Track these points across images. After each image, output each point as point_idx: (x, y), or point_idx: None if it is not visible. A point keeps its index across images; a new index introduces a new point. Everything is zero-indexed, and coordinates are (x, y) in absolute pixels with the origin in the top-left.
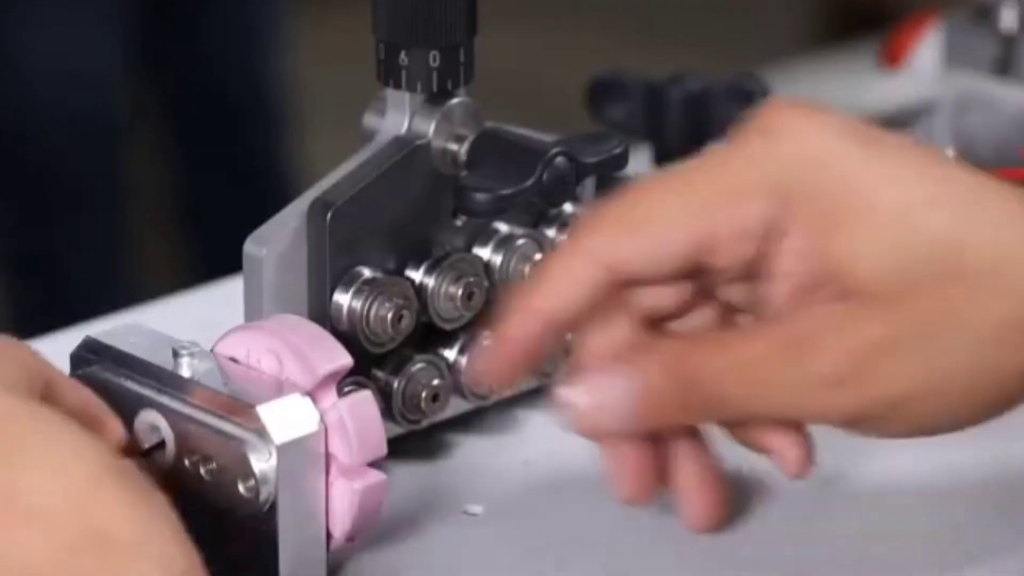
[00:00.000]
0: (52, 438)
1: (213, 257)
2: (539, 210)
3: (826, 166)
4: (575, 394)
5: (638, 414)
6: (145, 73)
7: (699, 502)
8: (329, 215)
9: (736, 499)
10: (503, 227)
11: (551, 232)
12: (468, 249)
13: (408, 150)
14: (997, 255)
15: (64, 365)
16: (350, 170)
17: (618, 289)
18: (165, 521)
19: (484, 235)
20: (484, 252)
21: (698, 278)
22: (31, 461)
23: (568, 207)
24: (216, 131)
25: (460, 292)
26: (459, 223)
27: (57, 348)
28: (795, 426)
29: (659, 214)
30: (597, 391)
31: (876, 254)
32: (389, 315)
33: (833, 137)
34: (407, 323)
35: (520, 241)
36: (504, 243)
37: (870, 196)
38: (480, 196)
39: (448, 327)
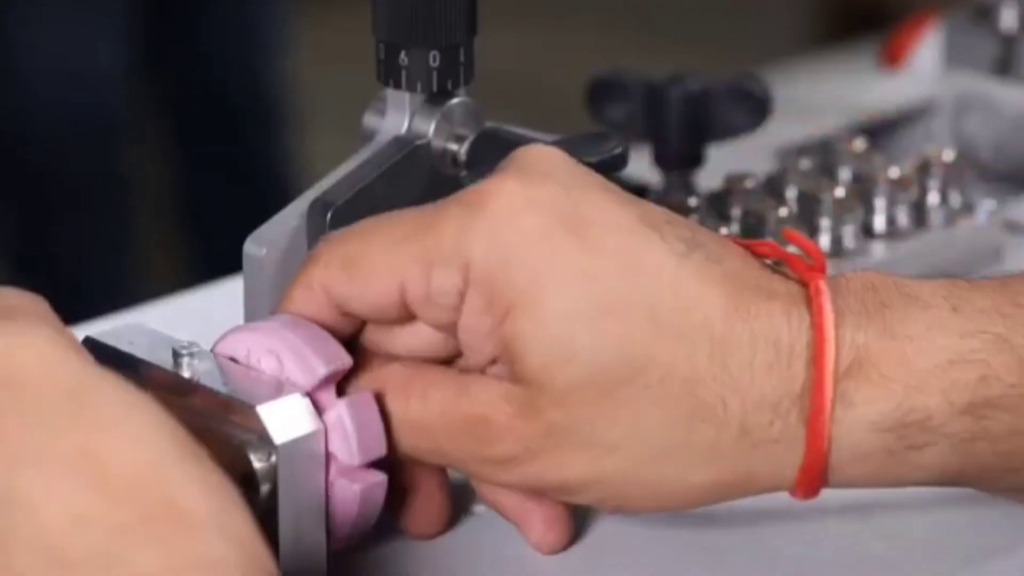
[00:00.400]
0: (132, 409)
1: (213, 257)
2: None
3: (509, 248)
4: None
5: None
6: (145, 73)
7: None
8: (329, 215)
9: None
10: None
11: None
12: None
13: (408, 150)
14: (673, 369)
15: None
16: (350, 170)
17: (356, 321)
18: (236, 501)
19: None
20: None
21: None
22: (110, 428)
23: None
24: (216, 131)
25: None
26: None
27: None
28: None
29: (366, 260)
30: None
31: (542, 350)
32: None
33: (537, 218)
34: None
35: None
36: None
37: (547, 287)
38: None
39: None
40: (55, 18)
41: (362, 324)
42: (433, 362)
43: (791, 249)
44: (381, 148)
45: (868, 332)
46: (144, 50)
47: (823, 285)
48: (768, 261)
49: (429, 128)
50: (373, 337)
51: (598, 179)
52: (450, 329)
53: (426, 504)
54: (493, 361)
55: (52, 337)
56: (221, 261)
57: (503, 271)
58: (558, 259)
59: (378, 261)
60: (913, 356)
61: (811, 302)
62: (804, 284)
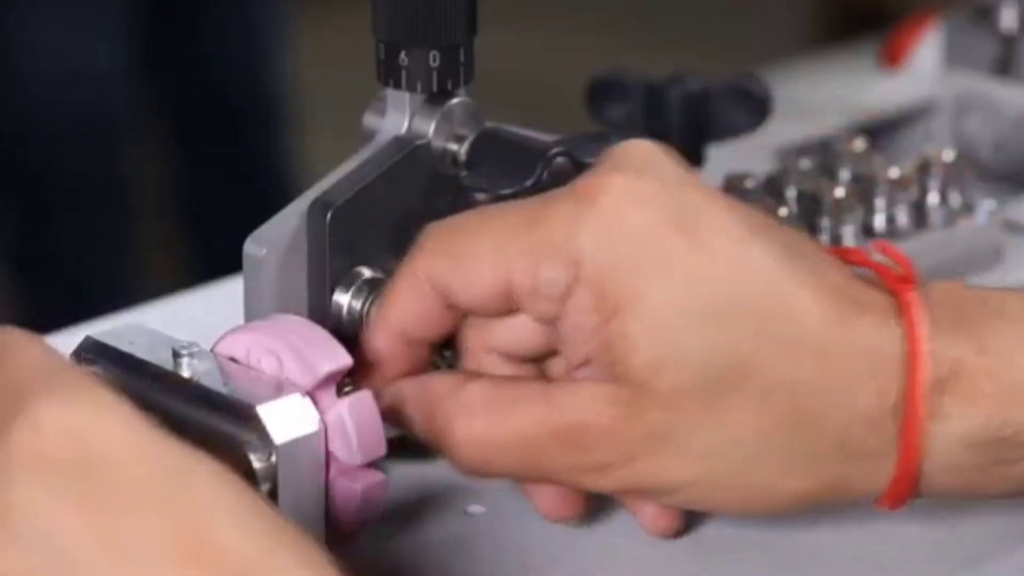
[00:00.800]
0: (227, 487)
1: (213, 257)
2: None
3: (619, 245)
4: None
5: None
6: (145, 73)
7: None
8: (329, 215)
9: None
10: None
11: None
12: None
13: (408, 150)
14: (777, 377)
15: None
16: (350, 170)
17: (459, 314)
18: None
19: None
20: None
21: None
22: (213, 509)
23: None
24: (216, 131)
25: None
26: None
27: (57, 348)
28: None
29: (472, 250)
30: (393, 409)
31: (649, 351)
32: None
33: (646, 215)
34: None
35: None
36: None
37: (658, 286)
38: (480, 196)
39: None
40: (55, 18)
41: (462, 319)
42: (526, 359)
43: (878, 258)
44: (381, 148)
45: (961, 346)
46: (144, 50)
47: (915, 296)
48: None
49: (429, 128)
50: (471, 332)
51: (695, 177)
52: (551, 322)
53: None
54: (585, 362)
55: (124, 411)
56: (221, 261)
57: (613, 270)
58: (668, 259)
59: (485, 252)
60: (1004, 371)
61: (903, 314)
62: (894, 294)
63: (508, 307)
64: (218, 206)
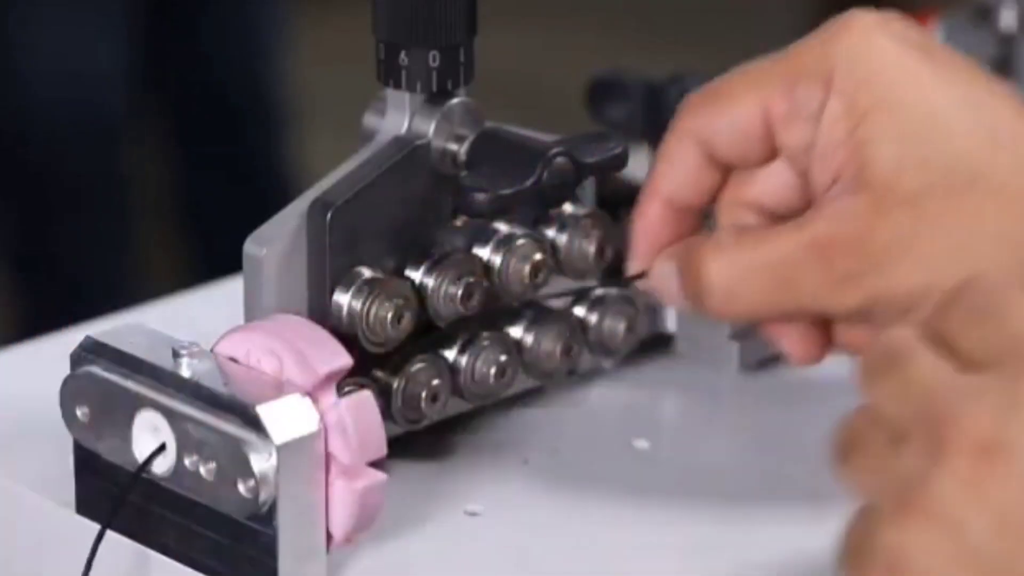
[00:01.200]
0: None
1: (213, 257)
2: (539, 209)
3: (870, 59)
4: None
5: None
6: (145, 73)
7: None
8: (329, 215)
9: (735, 499)
10: (503, 227)
11: (551, 232)
12: (468, 249)
13: (408, 150)
14: (1007, 185)
15: (64, 365)
16: (350, 170)
17: (721, 170)
18: None
19: (484, 235)
20: (484, 252)
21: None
22: None
23: (568, 207)
24: (216, 131)
25: (460, 292)
26: (459, 223)
27: (57, 348)
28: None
29: (729, 90)
30: (658, 273)
31: (896, 151)
32: (389, 315)
33: (893, 40)
34: (407, 323)
35: (520, 241)
36: (504, 243)
37: (905, 93)
38: (480, 196)
39: (444, 323)
40: (55, 18)
41: (725, 178)
42: (778, 216)
43: None
44: (381, 148)
45: None
46: (144, 50)
47: None
48: None
49: (429, 128)
50: (729, 189)
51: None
52: (804, 160)
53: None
54: (833, 181)
55: None
56: (221, 261)
57: (864, 80)
58: (914, 74)
59: (744, 88)
60: None
61: None
62: None
63: (767, 151)
64: (218, 206)
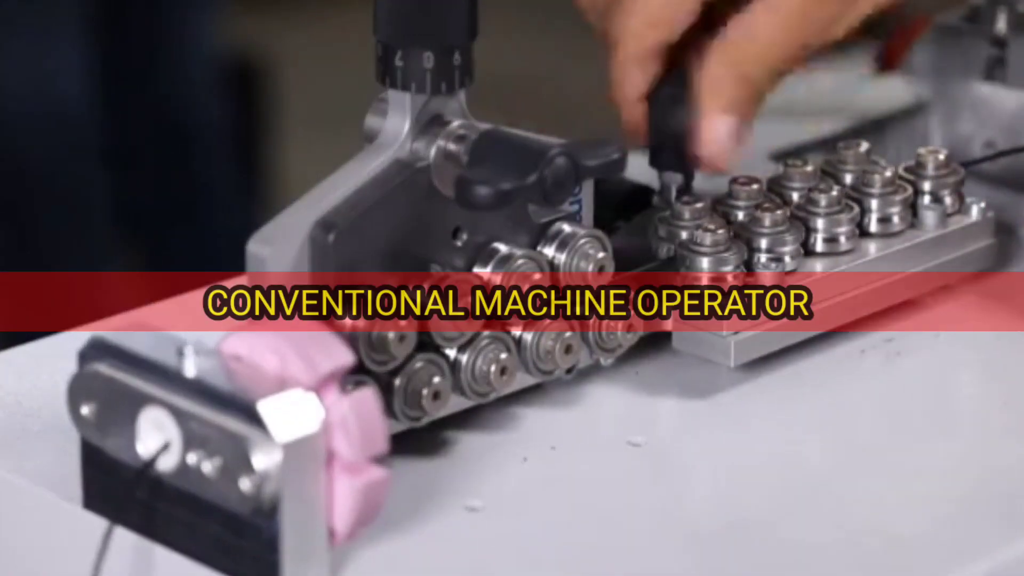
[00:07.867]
0: None
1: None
2: (537, 230)
3: None
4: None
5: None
6: (120, 89)
7: None
8: (331, 237)
9: (732, 497)
10: (502, 247)
11: (549, 251)
12: (468, 269)
13: (409, 172)
14: None
15: (71, 363)
16: (350, 184)
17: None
18: None
19: (484, 255)
20: (484, 271)
21: None
22: None
23: (566, 226)
24: (214, 131)
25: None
26: (459, 243)
27: (64, 347)
28: None
29: None
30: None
31: None
32: (391, 335)
33: None
34: (409, 342)
35: (519, 261)
36: (503, 262)
37: None
38: (482, 189)
39: (449, 346)
40: (26, 39)
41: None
42: None
43: None
44: (383, 170)
45: None
46: (115, 68)
47: None
48: None
49: (429, 129)
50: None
51: None
52: None
53: None
54: None
55: None
56: (223, 261)
57: None
58: None
59: None
60: None
61: None
62: None
63: None
64: (218, 206)
